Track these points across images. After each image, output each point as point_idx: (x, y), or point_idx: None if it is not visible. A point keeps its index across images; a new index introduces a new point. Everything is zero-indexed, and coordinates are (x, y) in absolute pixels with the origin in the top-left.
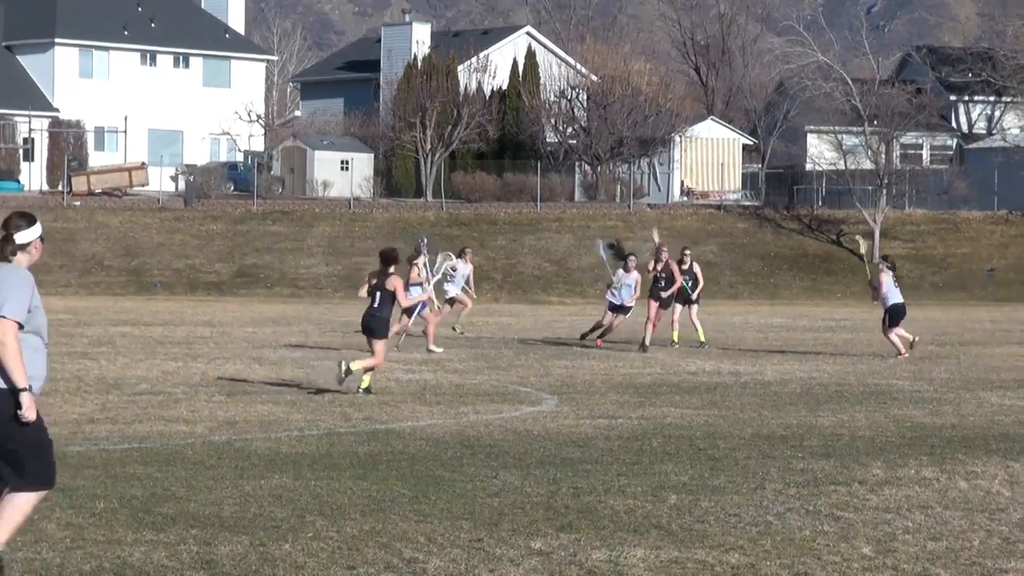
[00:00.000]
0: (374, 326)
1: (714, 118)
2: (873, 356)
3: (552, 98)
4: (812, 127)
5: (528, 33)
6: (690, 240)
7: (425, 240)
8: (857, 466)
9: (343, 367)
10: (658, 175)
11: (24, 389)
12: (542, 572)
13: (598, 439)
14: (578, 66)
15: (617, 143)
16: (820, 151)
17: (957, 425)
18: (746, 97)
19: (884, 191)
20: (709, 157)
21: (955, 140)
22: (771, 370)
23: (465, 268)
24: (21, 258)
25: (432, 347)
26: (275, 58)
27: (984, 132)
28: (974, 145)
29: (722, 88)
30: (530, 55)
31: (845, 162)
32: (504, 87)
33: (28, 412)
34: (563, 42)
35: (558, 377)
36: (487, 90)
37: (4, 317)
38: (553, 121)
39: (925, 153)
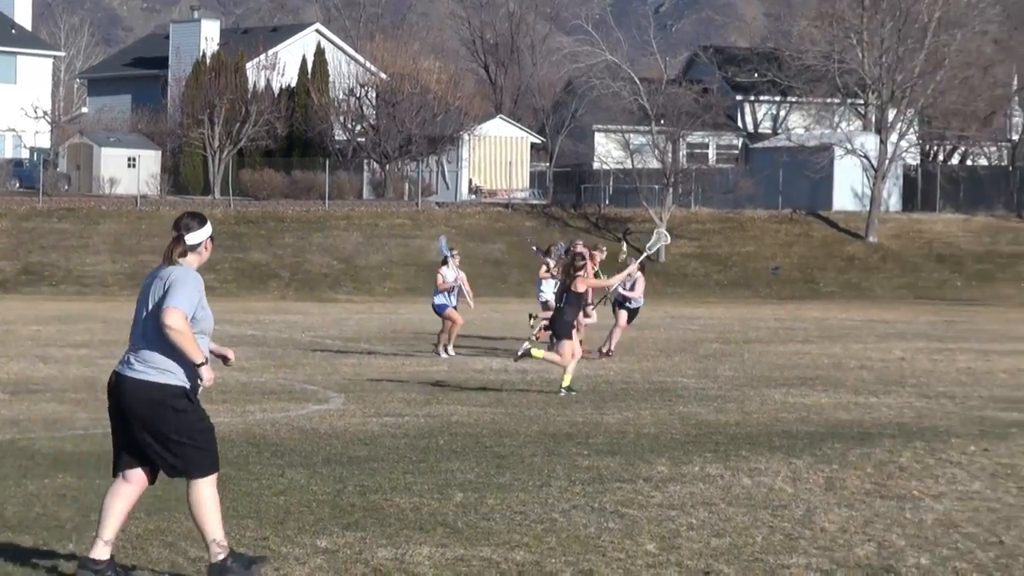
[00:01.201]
0: (558, 328)
1: (503, 116)
2: (659, 353)
3: (341, 96)
4: (600, 126)
5: (318, 31)
6: (479, 239)
7: (444, 242)
8: (642, 463)
9: (524, 348)
10: (446, 173)
11: (203, 363)
12: (327, 571)
13: (385, 437)
14: (367, 64)
15: (406, 141)
16: (607, 150)
17: (741, 422)
18: (535, 96)
19: (670, 190)
20: (497, 155)
21: (741, 139)
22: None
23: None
24: (191, 259)
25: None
26: (62, 54)
27: (769, 132)
28: (759, 145)
29: (511, 87)
30: (319, 53)
31: (632, 161)
32: (293, 85)
33: (208, 376)
34: (353, 40)
35: (345, 375)
36: (276, 88)
37: (171, 306)
38: (342, 119)
39: (711, 152)
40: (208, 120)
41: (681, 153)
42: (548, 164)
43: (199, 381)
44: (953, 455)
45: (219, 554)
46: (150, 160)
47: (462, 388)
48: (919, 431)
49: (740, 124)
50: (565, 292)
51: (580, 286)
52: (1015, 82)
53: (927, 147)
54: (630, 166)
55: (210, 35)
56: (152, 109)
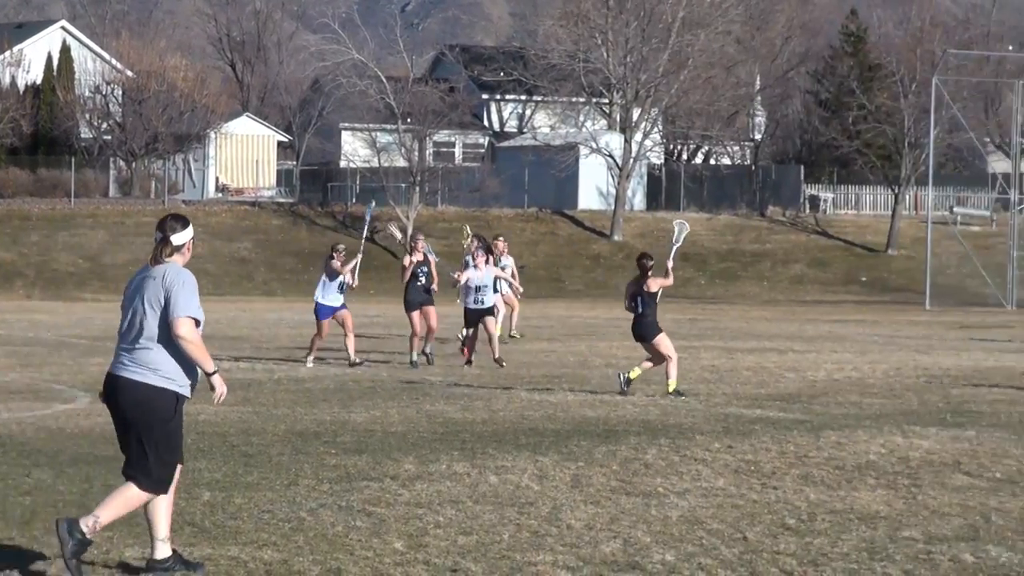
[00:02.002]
0: (643, 331)
1: (249, 115)
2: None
3: (87, 93)
4: (346, 124)
5: (63, 27)
6: (225, 237)
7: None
8: (389, 461)
9: (622, 378)
10: (193, 171)
11: (214, 372)
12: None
13: None
14: (114, 61)
15: (152, 139)
16: (354, 148)
17: (488, 420)
18: (281, 94)
19: (417, 188)
20: (244, 154)
21: (487, 138)
22: (304, 367)
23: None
24: (176, 259)
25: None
26: None
27: (515, 131)
28: (505, 144)
29: (258, 85)
30: (65, 50)
31: (379, 159)
32: (39, 82)
33: (220, 389)
34: (99, 37)
35: (91, 375)
36: (21, 85)
37: (181, 315)
38: (88, 116)
39: (457, 151)
40: None
41: (427, 152)
42: (295, 162)
43: (212, 392)
44: (698, 452)
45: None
46: None
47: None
48: (664, 428)
49: (486, 123)
50: (639, 295)
51: (653, 286)
52: (757, 82)
53: (671, 146)
54: (377, 165)
55: None
56: None
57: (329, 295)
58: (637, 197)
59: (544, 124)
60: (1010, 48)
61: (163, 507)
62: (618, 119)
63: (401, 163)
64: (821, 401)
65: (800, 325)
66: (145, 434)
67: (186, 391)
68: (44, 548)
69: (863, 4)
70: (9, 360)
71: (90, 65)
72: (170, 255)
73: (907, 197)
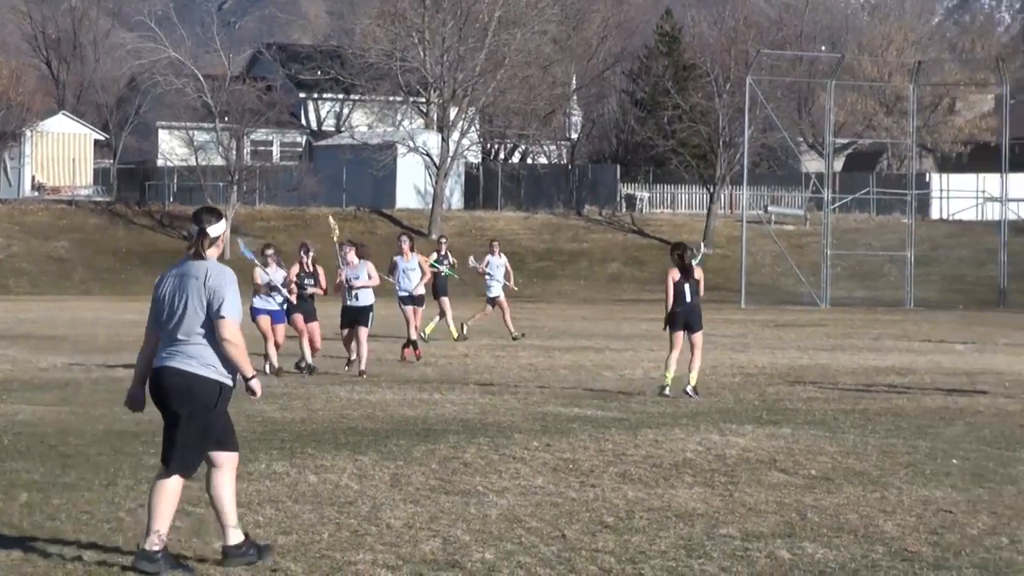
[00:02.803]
0: (695, 320)
1: (66, 113)
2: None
3: None
4: (164, 123)
5: None
6: (42, 236)
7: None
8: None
9: (667, 391)
10: (9, 170)
11: (253, 376)
12: None
13: None
14: None
15: None
16: (172, 147)
17: (307, 419)
18: (98, 92)
19: (235, 187)
20: (61, 152)
21: (304, 137)
22: (123, 366)
23: (499, 261)
24: (213, 251)
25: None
26: None
27: (333, 129)
28: (323, 142)
29: (74, 82)
30: None
31: (196, 158)
32: None
33: (259, 393)
34: None
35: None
36: None
37: (226, 317)
38: None
39: (275, 150)
40: None
41: (245, 150)
42: (112, 161)
43: (251, 395)
44: (516, 451)
45: (156, 545)
46: None
47: (27, 386)
48: (483, 427)
49: (304, 122)
50: (686, 285)
51: (698, 273)
52: (573, 81)
53: (489, 145)
54: (195, 163)
55: None
56: None
57: (266, 298)
58: (455, 196)
59: (362, 123)
60: (822, 48)
61: (228, 495)
62: (435, 118)
63: (219, 162)
64: (638, 399)
65: (617, 324)
66: (186, 420)
67: (229, 381)
68: None
69: (677, 4)
70: None
71: None
72: (208, 247)
73: (722, 196)
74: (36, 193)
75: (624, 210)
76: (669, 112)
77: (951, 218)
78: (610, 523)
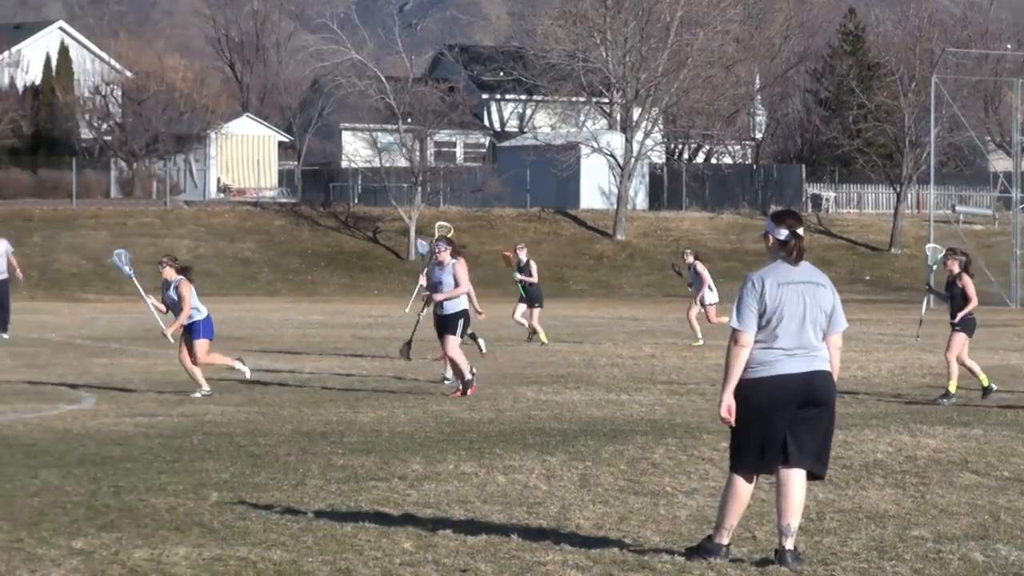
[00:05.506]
0: (969, 324)
1: (250, 115)
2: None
3: (87, 94)
4: (347, 124)
5: (61, 28)
6: (228, 238)
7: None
8: (397, 462)
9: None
10: (195, 172)
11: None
12: (84, 572)
13: (138, 437)
14: (112, 62)
15: (152, 139)
16: (355, 148)
17: (495, 420)
18: (281, 94)
19: (419, 188)
20: (245, 154)
21: (488, 138)
22: (310, 367)
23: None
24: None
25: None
26: None
27: (516, 130)
28: (506, 143)
29: (257, 85)
30: (63, 50)
31: (380, 160)
32: (38, 82)
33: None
34: (97, 37)
35: (97, 375)
36: (20, 85)
37: (845, 327)
38: (88, 117)
39: (459, 151)
40: None
41: (429, 152)
42: (296, 163)
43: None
44: (705, 451)
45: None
46: None
47: (216, 387)
48: (671, 428)
49: (487, 123)
50: (954, 289)
51: (966, 281)
52: (757, 81)
53: (672, 146)
54: (378, 165)
55: None
56: None
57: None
58: (639, 196)
59: (545, 124)
60: (1008, 47)
61: (743, 504)
62: (619, 118)
63: (402, 163)
64: None
65: None
66: (831, 421)
67: None
68: (52, 549)
69: (861, 3)
70: (15, 361)
71: (89, 66)
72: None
73: (909, 196)
74: (222, 195)
75: (810, 210)
76: (854, 111)
77: None
78: (801, 525)
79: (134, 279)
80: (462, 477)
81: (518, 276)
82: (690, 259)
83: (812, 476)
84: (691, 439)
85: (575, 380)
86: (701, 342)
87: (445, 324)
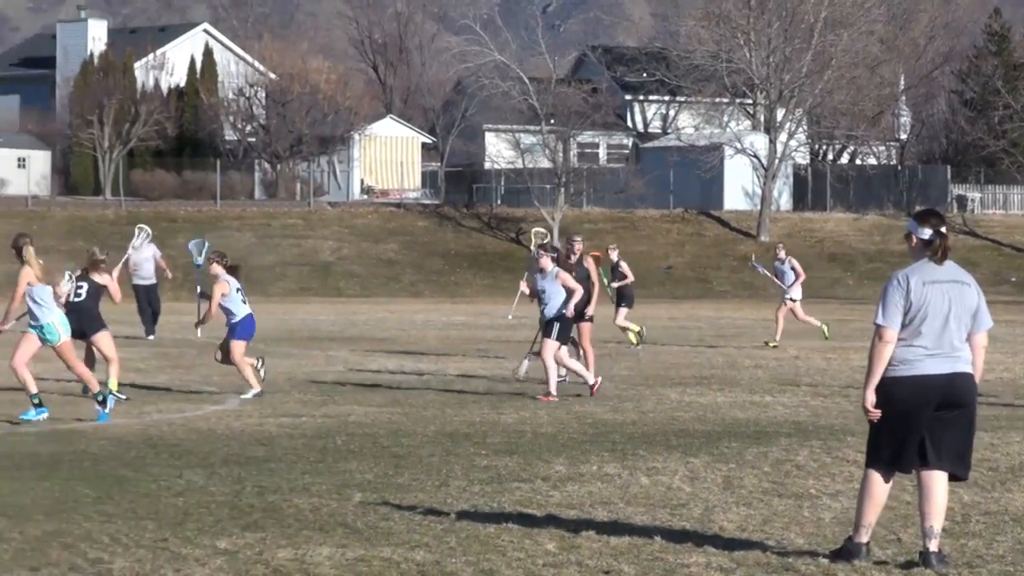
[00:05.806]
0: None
1: (393, 116)
2: None
3: (231, 96)
4: (490, 126)
5: (205, 30)
6: (372, 239)
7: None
8: (540, 463)
9: None
10: (338, 173)
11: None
12: (228, 571)
13: (282, 438)
14: (256, 64)
15: (296, 141)
16: (498, 150)
17: (638, 421)
18: (424, 95)
19: (562, 189)
20: (389, 155)
21: (631, 139)
22: (454, 368)
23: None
24: None
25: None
26: None
27: (659, 131)
28: (649, 144)
29: (400, 86)
30: (208, 53)
31: (523, 161)
32: (183, 85)
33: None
34: (241, 39)
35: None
36: (165, 87)
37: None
38: (232, 119)
39: (602, 152)
40: (97, 120)
41: (572, 153)
42: (439, 164)
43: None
44: (849, 453)
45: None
46: (40, 161)
47: (359, 388)
48: (815, 430)
49: (630, 124)
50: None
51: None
52: (901, 81)
53: (816, 146)
54: (521, 166)
55: (97, 35)
56: (41, 109)
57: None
58: (783, 197)
59: (688, 125)
60: None
61: (884, 500)
62: (762, 119)
63: (545, 164)
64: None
65: None
66: (972, 422)
67: None
68: (196, 548)
69: (1007, 3)
70: (159, 361)
71: (232, 68)
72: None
73: None
74: (365, 196)
75: (955, 211)
76: (999, 112)
77: None
78: (946, 527)
79: (199, 272)
80: (605, 478)
81: (613, 284)
82: (782, 254)
83: (954, 478)
84: (835, 441)
85: (718, 381)
86: (777, 343)
87: (544, 327)
